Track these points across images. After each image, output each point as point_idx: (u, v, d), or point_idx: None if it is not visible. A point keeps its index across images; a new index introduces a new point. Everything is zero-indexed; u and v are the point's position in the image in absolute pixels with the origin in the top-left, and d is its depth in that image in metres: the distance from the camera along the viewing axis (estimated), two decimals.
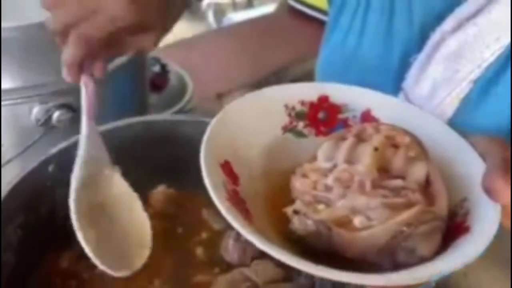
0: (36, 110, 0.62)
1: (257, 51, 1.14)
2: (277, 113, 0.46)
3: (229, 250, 0.50)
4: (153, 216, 0.52)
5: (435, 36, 0.57)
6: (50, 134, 0.62)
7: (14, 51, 0.63)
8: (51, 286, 0.48)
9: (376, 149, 0.37)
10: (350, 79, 0.49)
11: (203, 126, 0.55)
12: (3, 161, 0.64)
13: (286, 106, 0.46)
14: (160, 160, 0.57)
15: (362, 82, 0.48)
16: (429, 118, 0.45)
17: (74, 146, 0.51)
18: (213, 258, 0.51)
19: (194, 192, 0.54)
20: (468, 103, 0.57)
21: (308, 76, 0.86)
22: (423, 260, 0.33)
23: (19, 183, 0.48)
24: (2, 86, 0.62)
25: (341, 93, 0.47)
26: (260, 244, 0.31)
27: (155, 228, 0.51)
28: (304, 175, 0.38)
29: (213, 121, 0.41)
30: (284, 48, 1.17)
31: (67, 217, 0.48)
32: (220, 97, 1.04)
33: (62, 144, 0.52)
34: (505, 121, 0.56)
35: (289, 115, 0.47)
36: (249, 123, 0.44)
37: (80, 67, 0.46)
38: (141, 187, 0.54)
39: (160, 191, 0.57)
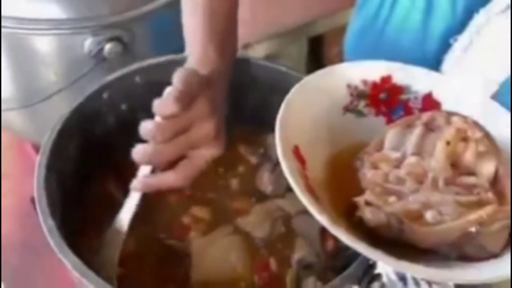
0: (89, 42, 0.65)
1: (284, 2, 1.11)
2: (340, 93, 0.46)
3: (265, 181, 0.54)
4: None
5: (479, 17, 0.55)
6: (101, 66, 0.66)
7: None
8: (101, 200, 0.53)
9: (448, 143, 0.37)
10: (382, 56, 0.48)
11: (242, 65, 0.58)
12: (56, 89, 0.67)
13: (349, 86, 0.47)
14: None
15: (395, 61, 0.48)
16: (492, 106, 0.45)
17: (127, 76, 0.55)
18: (250, 189, 0.56)
19: (231, 128, 0.58)
20: (507, 87, 0.56)
21: (335, 31, 0.84)
22: (491, 255, 0.35)
23: (78, 107, 0.52)
24: (57, 16, 0.65)
25: (405, 73, 0.47)
26: (348, 240, 0.33)
27: None
28: (374, 165, 0.39)
29: (282, 107, 0.41)
30: (313, 0, 1.13)
31: (118, 138, 0.52)
32: (247, 47, 1.03)
33: (117, 73, 0.55)
34: None
35: (351, 94, 0.47)
36: (312, 105, 0.44)
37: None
38: None
39: None
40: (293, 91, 0.43)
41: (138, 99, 0.53)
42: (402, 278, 0.58)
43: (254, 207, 0.54)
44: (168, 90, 0.45)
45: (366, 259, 0.41)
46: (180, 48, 0.55)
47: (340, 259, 0.50)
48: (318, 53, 1.16)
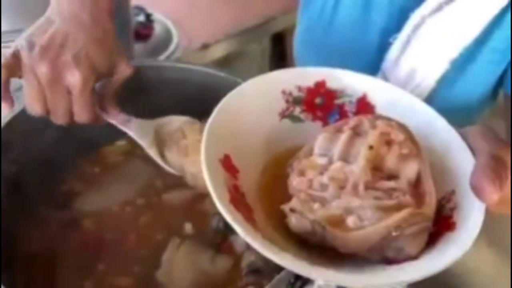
0: None
1: (243, 1, 1.12)
2: (275, 99, 0.47)
3: None
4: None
5: (415, 18, 0.56)
6: None
7: None
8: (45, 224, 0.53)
9: (371, 147, 0.38)
10: (328, 54, 0.48)
11: (187, 72, 0.59)
12: None
13: (284, 92, 0.47)
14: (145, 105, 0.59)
15: (341, 58, 0.48)
16: (422, 107, 0.46)
17: None
18: None
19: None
20: (444, 83, 0.57)
21: (294, 28, 0.85)
22: (410, 257, 0.35)
23: (14, 118, 0.51)
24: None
25: (338, 78, 0.48)
26: (265, 251, 0.33)
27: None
28: (301, 173, 0.39)
29: (212, 115, 0.41)
30: None
31: (57, 156, 0.52)
32: (206, 47, 1.04)
33: None
34: (476, 97, 0.59)
35: (287, 101, 0.47)
36: (247, 112, 0.45)
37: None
38: None
39: None
40: (225, 99, 0.44)
41: None
42: None
43: None
44: None
45: None
46: None
47: None
48: (282, 49, 1.16)
